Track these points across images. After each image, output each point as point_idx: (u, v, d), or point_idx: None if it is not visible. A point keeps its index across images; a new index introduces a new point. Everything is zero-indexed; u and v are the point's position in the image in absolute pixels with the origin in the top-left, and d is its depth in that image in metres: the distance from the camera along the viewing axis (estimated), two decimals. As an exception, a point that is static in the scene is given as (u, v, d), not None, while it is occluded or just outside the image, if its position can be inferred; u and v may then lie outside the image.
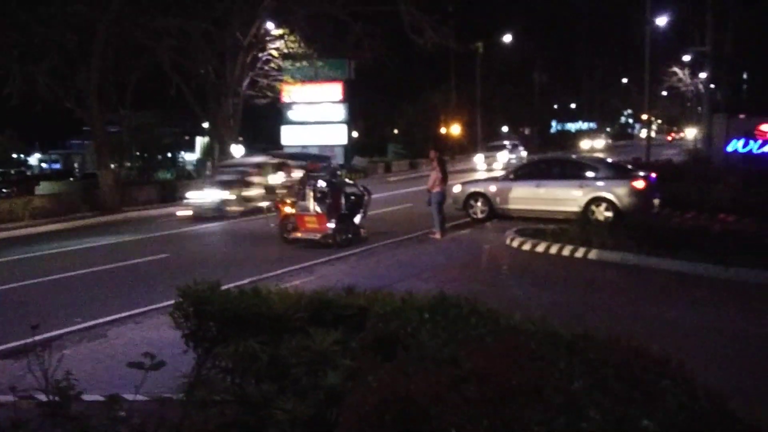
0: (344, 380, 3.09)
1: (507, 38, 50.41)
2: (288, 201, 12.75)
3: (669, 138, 65.66)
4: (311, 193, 11.92)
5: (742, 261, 8.58)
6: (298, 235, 12.07)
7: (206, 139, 36.32)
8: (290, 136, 34.17)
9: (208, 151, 33.96)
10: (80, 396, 3.27)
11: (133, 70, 23.40)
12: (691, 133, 48.39)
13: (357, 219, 12.41)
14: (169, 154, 43.77)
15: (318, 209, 11.82)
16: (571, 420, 2.48)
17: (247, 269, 9.88)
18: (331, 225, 11.70)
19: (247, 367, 3.51)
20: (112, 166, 22.26)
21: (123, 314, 7.48)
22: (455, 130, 48.44)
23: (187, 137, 43.94)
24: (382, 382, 2.58)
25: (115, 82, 23.10)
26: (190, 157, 45.10)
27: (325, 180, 12.25)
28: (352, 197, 12.57)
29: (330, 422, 2.88)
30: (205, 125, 29.47)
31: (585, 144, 56.92)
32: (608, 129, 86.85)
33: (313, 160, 13.80)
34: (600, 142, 58.78)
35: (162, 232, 15.49)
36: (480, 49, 45.19)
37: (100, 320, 7.29)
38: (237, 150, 25.19)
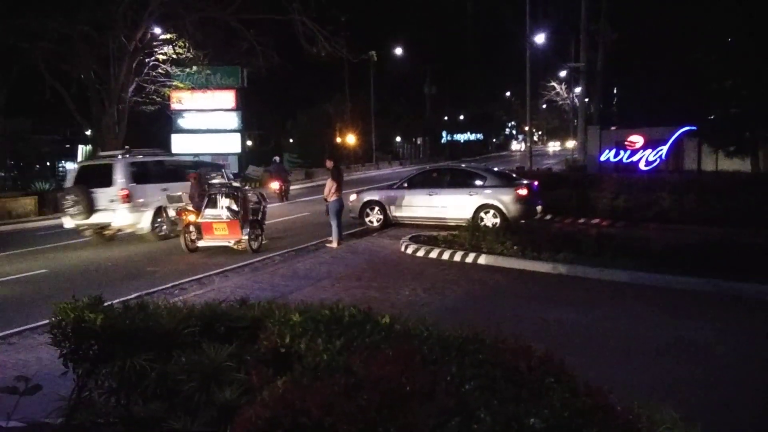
0: (238, 395, 3.02)
1: (398, 51, 51.63)
2: (190, 209, 12.56)
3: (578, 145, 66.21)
4: (221, 200, 12.11)
5: (616, 262, 9.26)
6: (207, 243, 12.04)
7: (89, 147, 34.22)
8: (181, 145, 33.05)
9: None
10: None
11: (6, 73, 21.65)
12: (573, 144, 51.17)
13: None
14: (48, 164, 40.90)
15: (230, 216, 11.94)
16: (463, 422, 2.56)
17: (134, 283, 9.41)
18: (246, 230, 11.86)
19: (134, 385, 3.34)
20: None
21: (-6, 336, 6.89)
22: (350, 139, 48.82)
23: (67, 145, 41.20)
24: (274, 395, 2.54)
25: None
26: (71, 167, 42.36)
27: (232, 187, 12.56)
28: (254, 204, 12.75)
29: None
30: (88, 133, 27.78)
31: None
32: (494, 139, 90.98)
33: (209, 169, 13.98)
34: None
35: (41, 246, 14.40)
36: (374, 58, 45.93)
37: (-33, 343, 6.67)
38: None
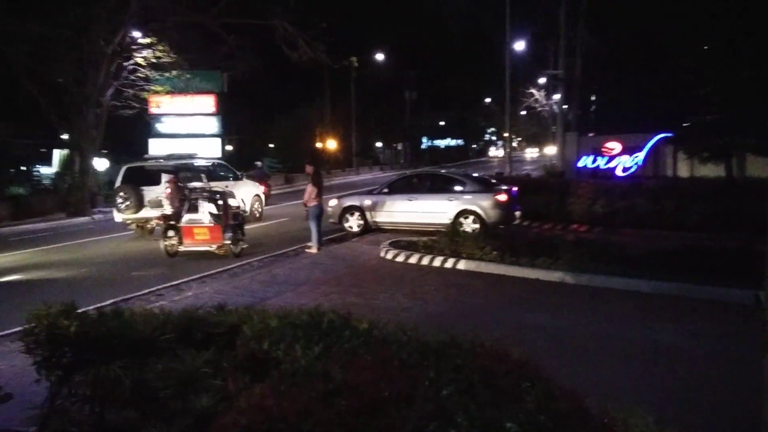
0: (215, 402, 2.99)
1: (379, 56, 51.71)
2: (170, 213, 12.53)
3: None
4: (204, 204, 12.10)
5: (593, 268, 9.35)
6: (188, 247, 11.99)
7: (65, 151, 33.70)
8: (159, 150, 32.70)
9: (67, 165, 31.52)
10: None
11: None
12: (551, 150, 51.48)
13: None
14: (23, 168, 40.20)
15: (212, 221, 11.96)
16: (441, 426, 2.57)
17: (110, 290, 9.28)
18: (228, 235, 11.84)
19: (108, 393, 3.30)
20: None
21: (-36, 344, 6.74)
22: (331, 144, 48.74)
23: (43, 149, 40.52)
24: (251, 402, 2.53)
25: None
26: (46, 171, 41.66)
27: (214, 191, 12.55)
28: (234, 209, 12.72)
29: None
30: (65, 137, 27.37)
31: None
32: (474, 145, 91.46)
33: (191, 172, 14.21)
34: None
35: (15, 251, 14.15)
36: (355, 63, 45.92)
37: (-64, 352, 6.51)
38: (100, 163, 23.71)
